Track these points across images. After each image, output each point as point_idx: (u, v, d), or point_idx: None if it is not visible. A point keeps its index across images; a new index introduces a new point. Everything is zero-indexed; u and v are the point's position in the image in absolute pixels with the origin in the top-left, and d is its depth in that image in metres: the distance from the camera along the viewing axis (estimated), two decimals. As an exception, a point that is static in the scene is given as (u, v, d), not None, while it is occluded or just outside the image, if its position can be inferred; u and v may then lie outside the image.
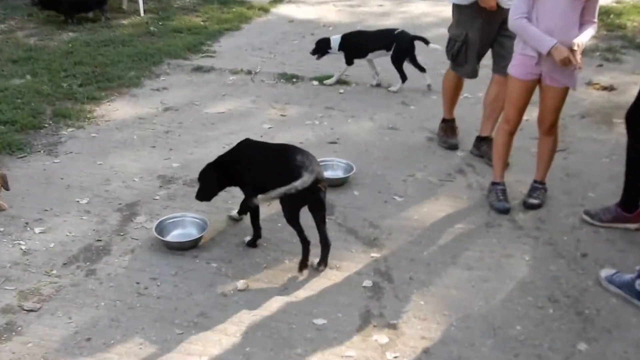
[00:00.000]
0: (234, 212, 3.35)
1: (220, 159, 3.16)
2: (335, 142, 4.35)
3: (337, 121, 4.73)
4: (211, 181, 3.16)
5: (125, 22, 7.06)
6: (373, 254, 3.13)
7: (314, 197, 2.84)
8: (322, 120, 4.75)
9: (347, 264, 3.05)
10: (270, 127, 4.58)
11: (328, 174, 3.82)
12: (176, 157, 4.08)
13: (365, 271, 3.00)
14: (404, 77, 5.22)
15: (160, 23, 7.04)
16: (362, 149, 4.28)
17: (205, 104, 5.00)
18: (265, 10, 7.77)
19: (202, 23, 7.13)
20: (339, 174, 3.85)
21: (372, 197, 3.66)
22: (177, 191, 3.67)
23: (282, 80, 5.50)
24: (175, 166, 3.97)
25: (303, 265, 2.96)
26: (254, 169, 3.02)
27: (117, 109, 4.85)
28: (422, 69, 5.26)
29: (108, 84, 5.26)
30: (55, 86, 5.14)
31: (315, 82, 5.46)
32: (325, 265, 2.98)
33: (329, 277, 2.95)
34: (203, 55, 6.07)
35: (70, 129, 4.47)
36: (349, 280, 2.94)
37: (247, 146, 3.15)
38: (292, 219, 2.91)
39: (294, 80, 5.51)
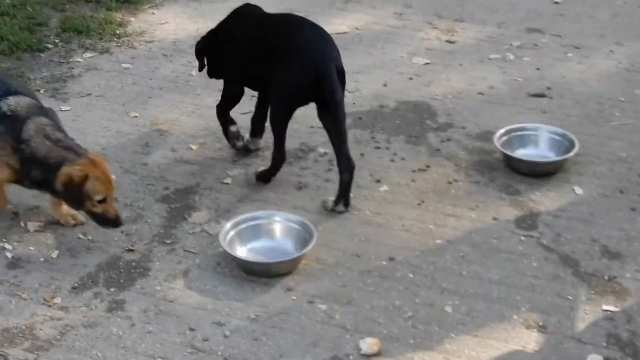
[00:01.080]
0: (248, 136, 3.79)
1: (215, 28, 3.90)
2: (543, 95, 4.32)
3: (547, 55, 4.66)
4: (211, 57, 3.76)
5: None
6: (607, 307, 3.07)
7: (321, 97, 3.31)
8: (521, 52, 4.69)
9: (560, 321, 3.01)
10: (426, 63, 4.58)
11: (529, 152, 3.79)
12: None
13: (592, 337, 2.94)
14: None
15: None
16: (592, 108, 4.21)
17: (314, 17, 4.89)
18: None
19: None
20: (548, 154, 3.81)
21: (608, 200, 3.60)
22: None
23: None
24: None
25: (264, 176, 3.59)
26: (235, 46, 3.59)
27: (167, 22, 4.95)
28: None
29: (153, -23, 5.36)
30: (66, -21, 5.28)
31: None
32: (347, 204, 3.34)
33: (524, 341, 2.91)
34: None
35: (87, 54, 4.60)
36: (562, 351, 2.89)
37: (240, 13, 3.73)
38: (279, 122, 3.43)
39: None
